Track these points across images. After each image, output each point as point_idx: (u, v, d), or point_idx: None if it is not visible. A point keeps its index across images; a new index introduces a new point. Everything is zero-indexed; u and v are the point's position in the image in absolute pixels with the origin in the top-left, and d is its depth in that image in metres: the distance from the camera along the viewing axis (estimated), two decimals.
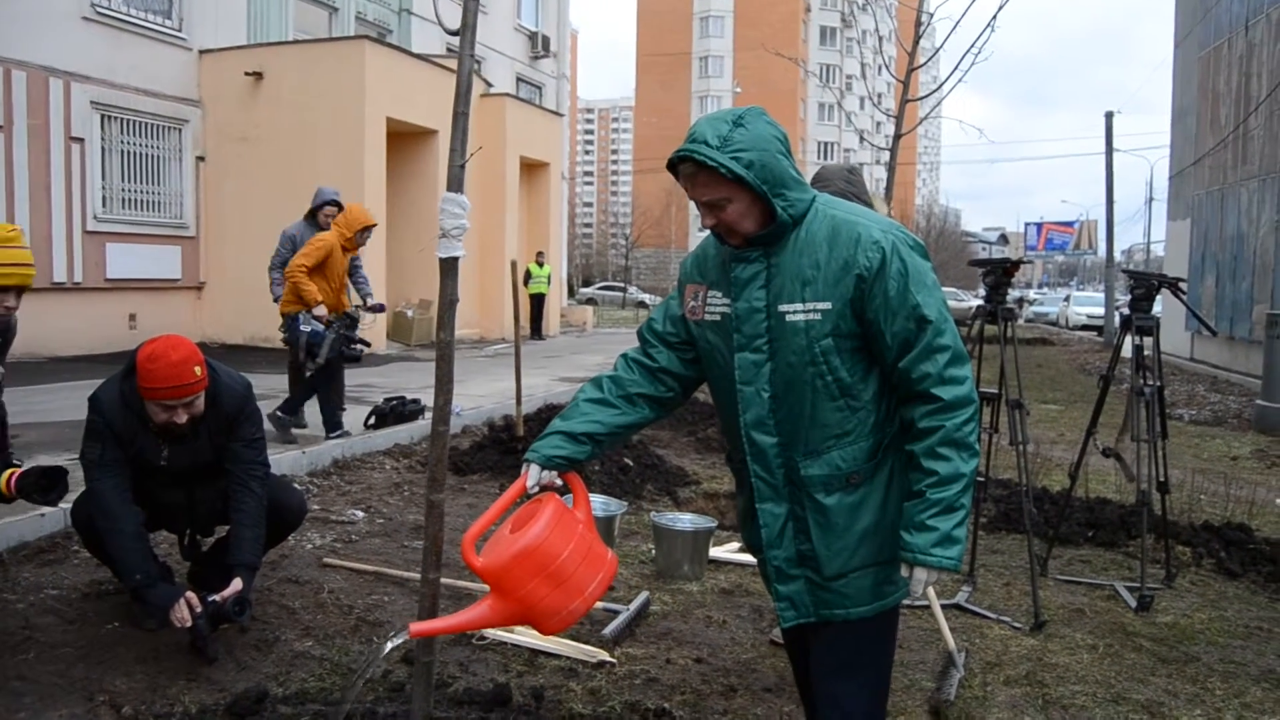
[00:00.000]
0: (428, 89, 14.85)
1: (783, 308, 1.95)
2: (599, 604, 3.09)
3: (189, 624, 3.06)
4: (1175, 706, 3.17)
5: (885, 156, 8.16)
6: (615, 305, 46.78)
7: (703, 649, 3.53)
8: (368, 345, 7.16)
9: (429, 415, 2.93)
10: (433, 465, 2.52)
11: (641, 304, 45.74)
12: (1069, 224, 48.05)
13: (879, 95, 22.53)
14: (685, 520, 4.59)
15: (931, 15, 8.02)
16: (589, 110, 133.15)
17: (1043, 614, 3.92)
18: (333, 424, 6.77)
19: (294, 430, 6.86)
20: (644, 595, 3.97)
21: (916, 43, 7.40)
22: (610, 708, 2.98)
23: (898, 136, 7.23)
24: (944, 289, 2.36)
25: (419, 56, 15.76)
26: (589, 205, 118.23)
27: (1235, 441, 9.17)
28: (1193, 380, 14.97)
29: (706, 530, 4.45)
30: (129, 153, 13.49)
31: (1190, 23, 19.77)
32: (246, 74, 14.14)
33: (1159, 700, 3.22)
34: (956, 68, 7.36)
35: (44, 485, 3.26)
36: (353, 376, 8.54)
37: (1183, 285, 4.64)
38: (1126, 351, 4.66)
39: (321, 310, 6.55)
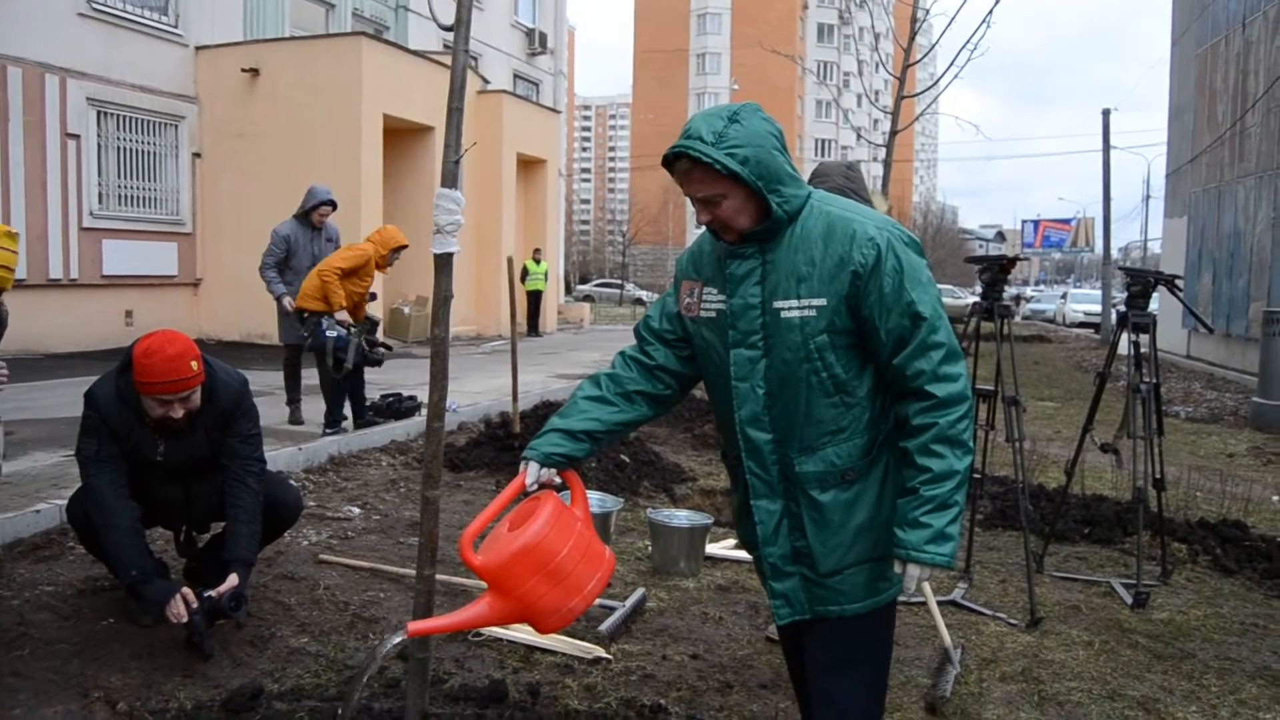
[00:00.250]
0: (424, 85, 14.83)
1: (778, 304, 1.95)
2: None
3: (185, 620, 3.06)
4: (1171, 703, 3.18)
5: (883, 153, 8.17)
6: (612, 302, 46.80)
7: (699, 645, 3.54)
8: (389, 349, 7.32)
9: (425, 412, 2.93)
10: (428, 462, 2.52)
11: (639, 301, 45.73)
12: (1066, 221, 48.15)
13: (876, 92, 22.50)
14: (681, 517, 4.59)
15: (927, 12, 8.02)
16: (586, 107, 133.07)
17: (1039, 610, 3.93)
18: (334, 421, 6.81)
19: (293, 426, 7.02)
20: (640, 592, 3.97)
21: (912, 39, 7.41)
22: (606, 704, 2.98)
23: (893, 133, 7.25)
24: (941, 286, 2.37)
25: (416, 53, 15.73)
26: (586, 202, 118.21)
27: (1231, 439, 9.19)
28: (1189, 377, 14.99)
29: (703, 527, 4.46)
30: (125, 149, 13.46)
31: (1187, 20, 19.78)
32: (243, 70, 14.11)
33: (1154, 697, 3.22)
34: (953, 63, 7.38)
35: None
36: None
37: (1179, 282, 4.64)
38: (1123, 349, 4.66)
39: (344, 315, 6.67)
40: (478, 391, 9.43)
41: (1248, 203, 15.64)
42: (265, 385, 8.18)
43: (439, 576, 2.90)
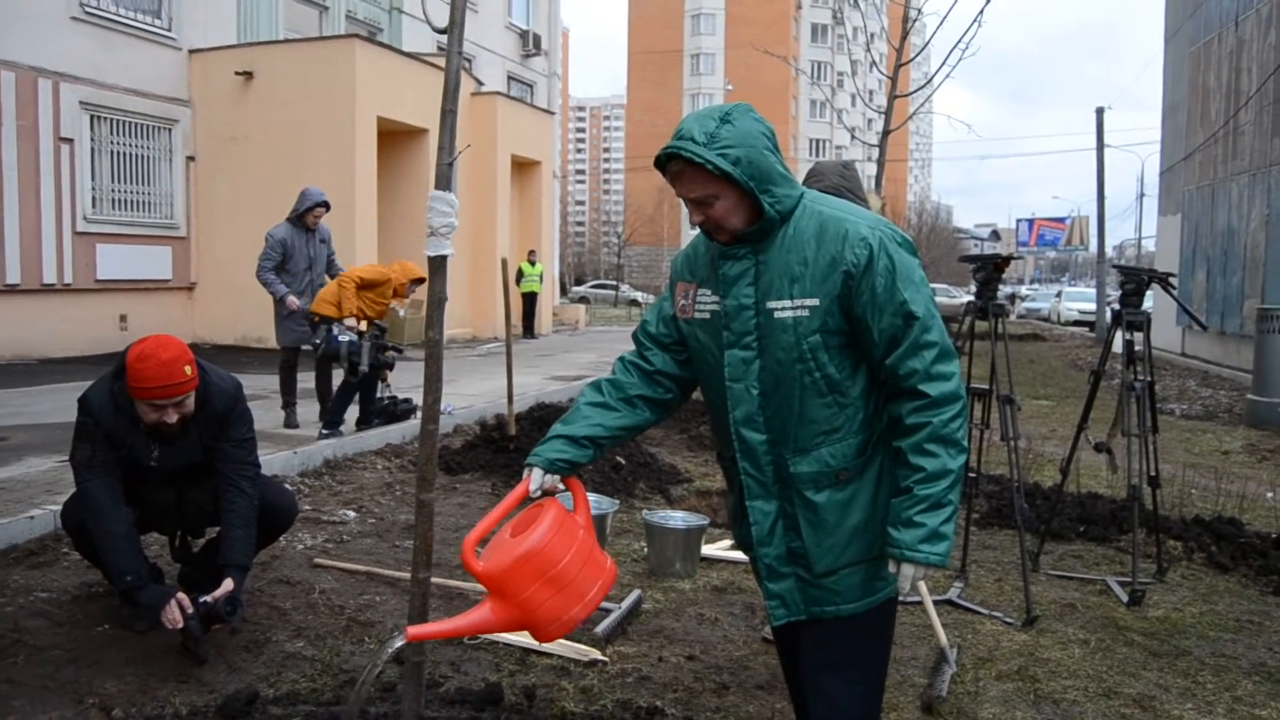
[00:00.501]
0: (418, 87, 14.81)
1: (771, 304, 1.95)
2: None
3: (180, 625, 3.05)
4: (1167, 700, 3.18)
5: (876, 153, 8.19)
6: (608, 304, 46.80)
7: (695, 646, 3.54)
8: (400, 351, 7.48)
9: (421, 415, 2.92)
10: (422, 465, 2.51)
11: (634, 302, 45.73)
12: (1060, 220, 48.20)
13: (870, 92, 22.52)
14: (677, 518, 4.59)
15: (920, 11, 8.04)
16: (581, 108, 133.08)
17: (1034, 609, 3.93)
18: (333, 423, 6.81)
19: (289, 430, 6.98)
20: (636, 593, 3.97)
21: (904, 38, 7.42)
22: (602, 706, 2.98)
23: (886, 132, 7.26)
24: (935, 285, 2.36)
25: (410, 55, 15.70)
26: (581, 203, 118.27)
27: (1226, 436, 9.21)
28: (1184, 375, 15.02)
29: (698, 528, 4.45)
30: (119, 153, 13.41)
31: (1180, 18, 19.83)
32: (237, 73, 14.08)
33: (1150, 694, 3.23)
34: (945, 62, 7.39)
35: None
36: None
37: (1173, 280, 4.64)
38: (1118, 347, 4.67)
39: (353, 320, 6.81)
40: (473, 394, 9.43)
41: (1241, 200, 15.68)
42: (260, 389, 8.17)
43: (435, 580, 2.90)
